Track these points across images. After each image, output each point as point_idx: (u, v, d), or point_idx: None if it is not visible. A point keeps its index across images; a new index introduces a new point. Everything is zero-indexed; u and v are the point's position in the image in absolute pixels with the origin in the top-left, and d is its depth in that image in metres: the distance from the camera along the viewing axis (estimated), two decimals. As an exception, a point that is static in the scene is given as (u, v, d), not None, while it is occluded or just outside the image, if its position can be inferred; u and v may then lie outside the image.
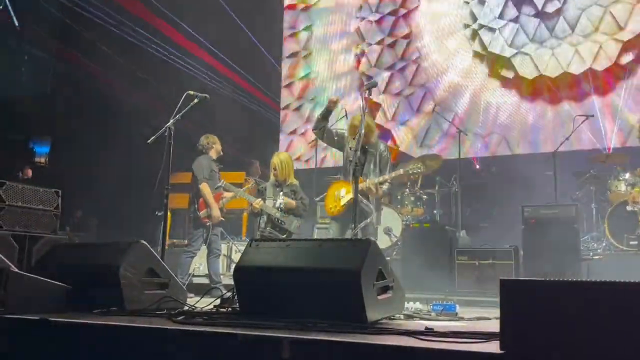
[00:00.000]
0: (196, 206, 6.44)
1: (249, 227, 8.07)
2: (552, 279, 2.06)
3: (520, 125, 8.43)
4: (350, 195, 5.15)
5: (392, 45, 9.50)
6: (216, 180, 6.41)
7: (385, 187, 5.35)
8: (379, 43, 9.59)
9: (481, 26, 8.82)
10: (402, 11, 9.49)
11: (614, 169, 6.81)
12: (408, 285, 4.30)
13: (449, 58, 9.06)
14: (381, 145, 5.53)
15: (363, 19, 9.79)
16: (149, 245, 3.65)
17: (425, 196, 7.22)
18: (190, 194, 6.95)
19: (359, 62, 9.79)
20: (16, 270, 3.33)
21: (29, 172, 8.04)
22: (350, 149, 5.24)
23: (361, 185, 5.11)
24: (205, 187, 6.31)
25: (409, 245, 6.42)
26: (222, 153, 6.72)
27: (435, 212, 7.36)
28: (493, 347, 2.12)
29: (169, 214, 6.04)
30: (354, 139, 5.15)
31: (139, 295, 3.41)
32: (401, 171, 5.35)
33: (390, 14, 9.59)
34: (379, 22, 9.66)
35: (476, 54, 8.86)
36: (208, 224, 6.37)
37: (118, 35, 9.73)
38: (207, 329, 2.58)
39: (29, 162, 11.01)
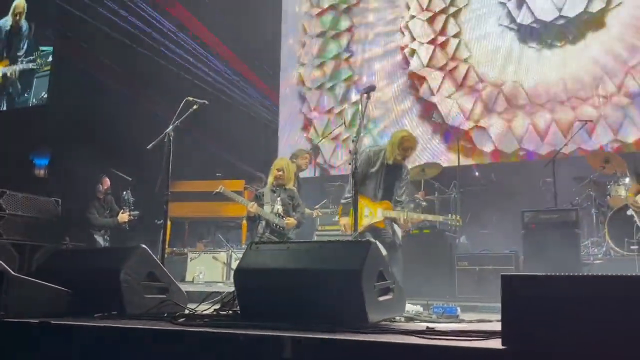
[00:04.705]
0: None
1: (248, 235, 8.06)
2: (553, 274, 2.06)
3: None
4: (370, 219, 5.19)
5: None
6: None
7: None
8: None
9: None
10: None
11: (614, 174, 6.82)
12: (408, 291, 4.27)
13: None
14: (407, 166, 5.56)
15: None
16: (149, 250, 3.65)
17: (424, 203, 7.21)
18: None
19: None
20: (16, 274, 3.32)
21: (107, 182, 7.70)
22: (383, 164, 5.27)
23: (393, 214, 5.23)
24: None
25: (409, 252, 6.41)
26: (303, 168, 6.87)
27: (434, 218, 7.33)
28: (495, 344, 2.12)
29: (168, 222, 6.00)
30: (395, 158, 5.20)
31: (139, 299, 3.41)
32: (441, 218, 5.55)
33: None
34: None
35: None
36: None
37: (118, 39, 9.78)
38: (209, 329, 2.57)
39: (30, 175, 10.96)
